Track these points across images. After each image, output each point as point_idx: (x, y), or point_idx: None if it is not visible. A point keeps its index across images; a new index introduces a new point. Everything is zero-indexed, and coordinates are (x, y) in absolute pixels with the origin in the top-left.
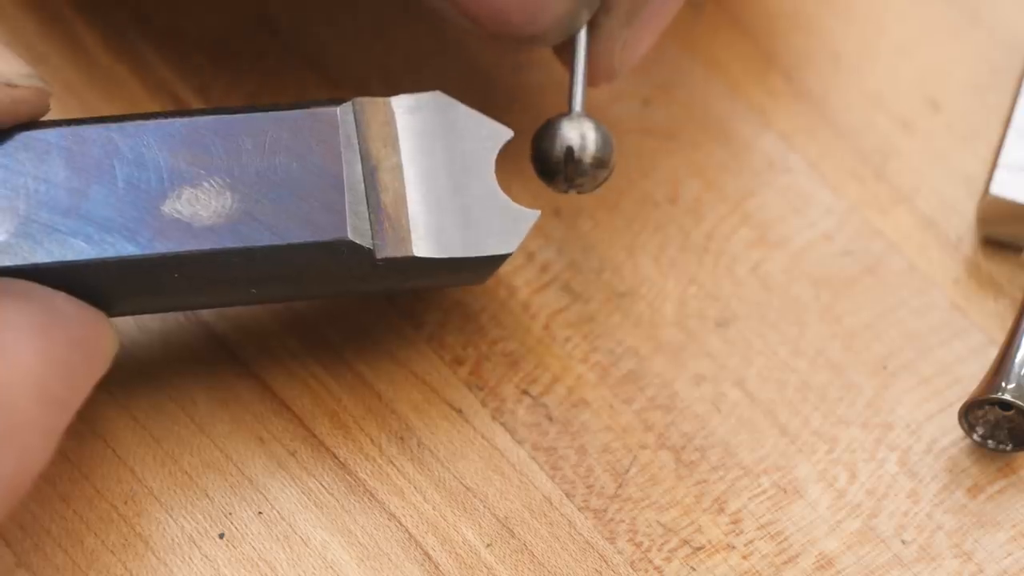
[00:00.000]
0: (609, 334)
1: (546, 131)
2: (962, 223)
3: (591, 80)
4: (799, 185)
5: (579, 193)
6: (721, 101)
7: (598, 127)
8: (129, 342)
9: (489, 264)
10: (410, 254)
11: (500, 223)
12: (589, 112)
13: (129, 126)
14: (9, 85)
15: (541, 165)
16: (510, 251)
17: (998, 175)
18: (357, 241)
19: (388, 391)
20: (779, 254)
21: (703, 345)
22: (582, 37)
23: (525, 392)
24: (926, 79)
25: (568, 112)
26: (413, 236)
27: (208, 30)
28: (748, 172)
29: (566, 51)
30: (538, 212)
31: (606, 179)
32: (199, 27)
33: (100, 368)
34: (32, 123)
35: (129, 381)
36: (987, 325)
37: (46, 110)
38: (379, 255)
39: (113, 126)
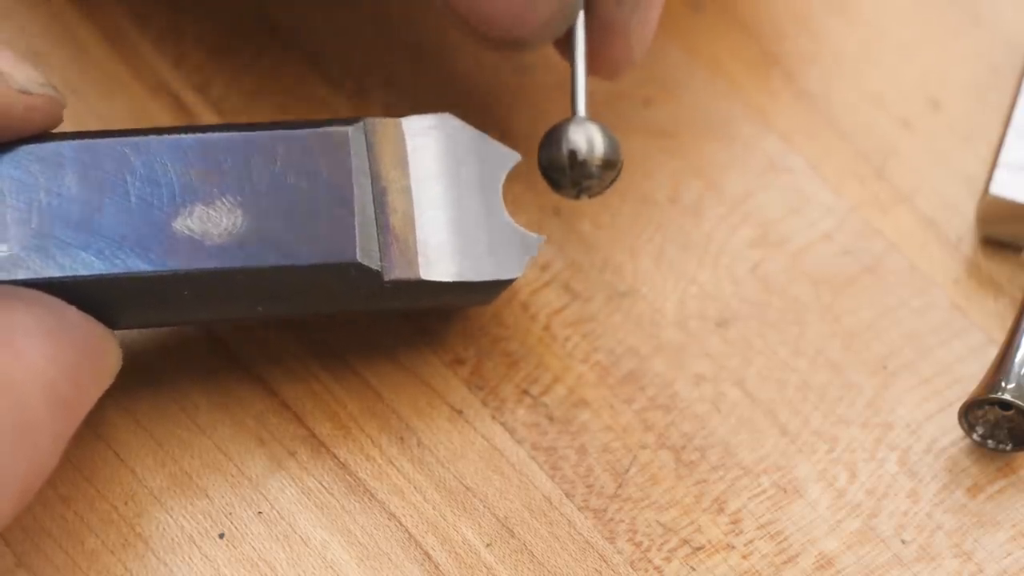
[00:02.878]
0: (609, 334)
1: (551, 137)
2: (962, 223)
3: (615, 72)
4: (799, 185)
5: (589, 197)
6: (722, 101)
7: (603, 129)
8: (130, 343)
9: (495, 287)
10: (417, 277)
11: (507, 247)
12: (591, 111)
13: (143, 141)
14: (23, 92)
15: (548, 171)
16: (516, 275)
17: (998, 175)
18: (365, 263)
19: (388, 391)
20: (779, 254)
21: (703, 345)
22: (580, 39)
23: (525, 392)
24: (926, 79)
25: (572, 115)
26: (421, 259)
27: (208, 29)
28: (748, 172)
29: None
30: (544, 237)
31: (614, 181)
32: (199, 26)
33: (105, 380)
34: (46, 135)
35: (130, 382)
36: (987, 325)
37: (59, 121)
38: (387, 277)
39: (127, 141)
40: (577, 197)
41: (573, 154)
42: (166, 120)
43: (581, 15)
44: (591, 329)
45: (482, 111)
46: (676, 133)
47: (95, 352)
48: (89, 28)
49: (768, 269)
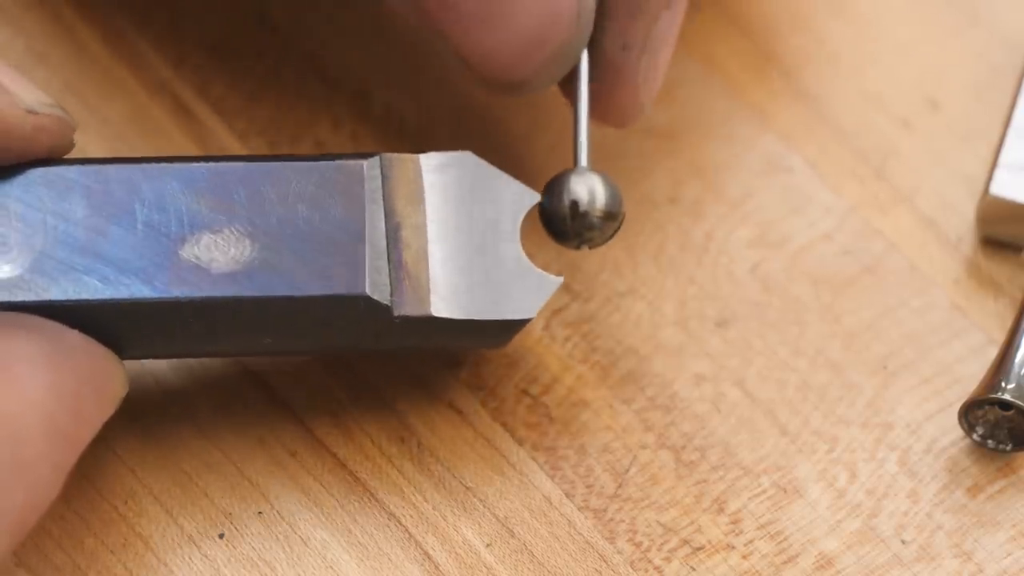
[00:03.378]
0: (609, 334)
1: (552, 188)
2: (962, 223)
3: (623, 120)
4: (799, 185)
5: (590, 248)
6: (721, 101)
7: (605, 179)
8: None
9: (508, 328)
10: (428, 313)
11: (521, 287)
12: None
13: (153, 168)
14: (31, 112)
15: (550, 222)
16: (530, 316)
17: (998, 175)
18: (375, 297)
19: (388, 391)
20: (779, 254)
21: (703, 345)
22: (583, 86)
23: (525, 392)
24: (926, 79)
25: (575, 166)
26: (432, 296)
27: (208, 30)
28: (748, 172)
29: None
30: (560, 279)
31: (616, 232)
32: (199, 27)
33: (109, 407)
34: (55, 160)
35: (130, 381)
36: (987, 325)
37: (69, 146)
38: (397, 312)
39: (136, 167)
40: (578, 248)
41: (575, 205)
42: (166, 121)
43: (584, 60)
44: (591, 329)
45: (483, 112)
46: (675, 133)
47: (98, 378)
48: (89, 28)
49: (768, 269)
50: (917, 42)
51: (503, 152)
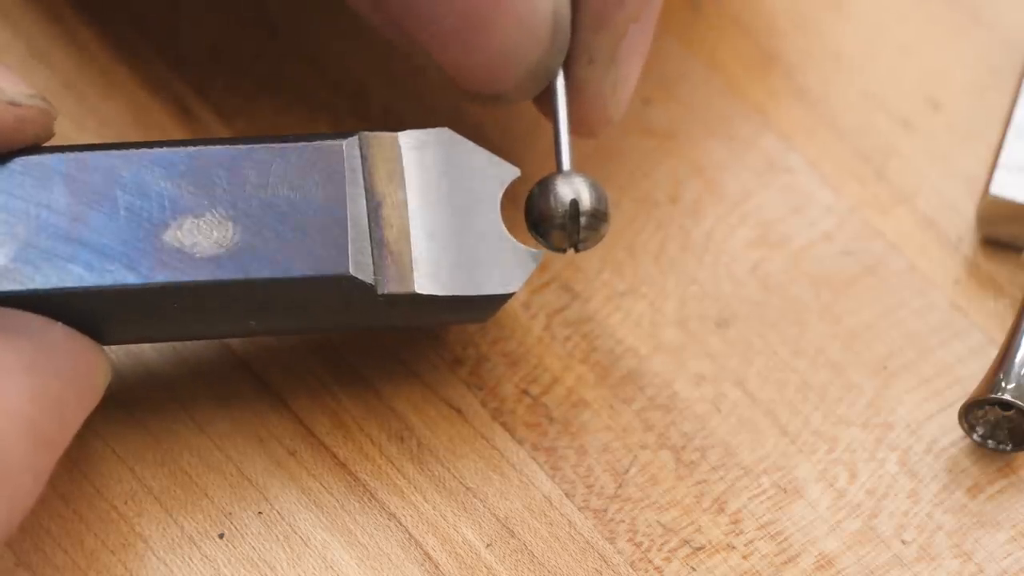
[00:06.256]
0: (609, 334)
1: (542, 192)
2: (962, 223)
3: (590, 131)
4: (799, 185)
5: (576, 251)
6: (721, 101)
7: (592, 182)
8: None
9: (492, 303)
10: (412, 291)
11: (504, 262)
12: None
13: (133, 154)
14: (13, 104)
15: (538, 226)
16: (513, 291)
17: (998, 175)
18: (359, 276)
19: (388, 391)
20: (779, 254)
21: (703, 345)
22: (560, 95)
23: (525, 392)
24: (926, 79)
25: (559, 170)
26: (415, 273)
27: (208, 30)
28: (748, 172)
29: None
30: (542, 252)
31: (605, 232)
32: (199, 27)
33: (91, 402)
34: (35, 148)
35: (129, 379)
36: (987, 325)
37: (50, 134)
38: (381, 291)
39: (116, 153)
40: (564, 251)
41: (573, 207)
42: (166, 120)
43: (561, 74)
44: (591, 329)
45: (482, 113)
46: (675, 132)
47: (81, 376)
48: (89, 28)
49: (768, 269)
50: (918, 42)
51: (503, 154)
